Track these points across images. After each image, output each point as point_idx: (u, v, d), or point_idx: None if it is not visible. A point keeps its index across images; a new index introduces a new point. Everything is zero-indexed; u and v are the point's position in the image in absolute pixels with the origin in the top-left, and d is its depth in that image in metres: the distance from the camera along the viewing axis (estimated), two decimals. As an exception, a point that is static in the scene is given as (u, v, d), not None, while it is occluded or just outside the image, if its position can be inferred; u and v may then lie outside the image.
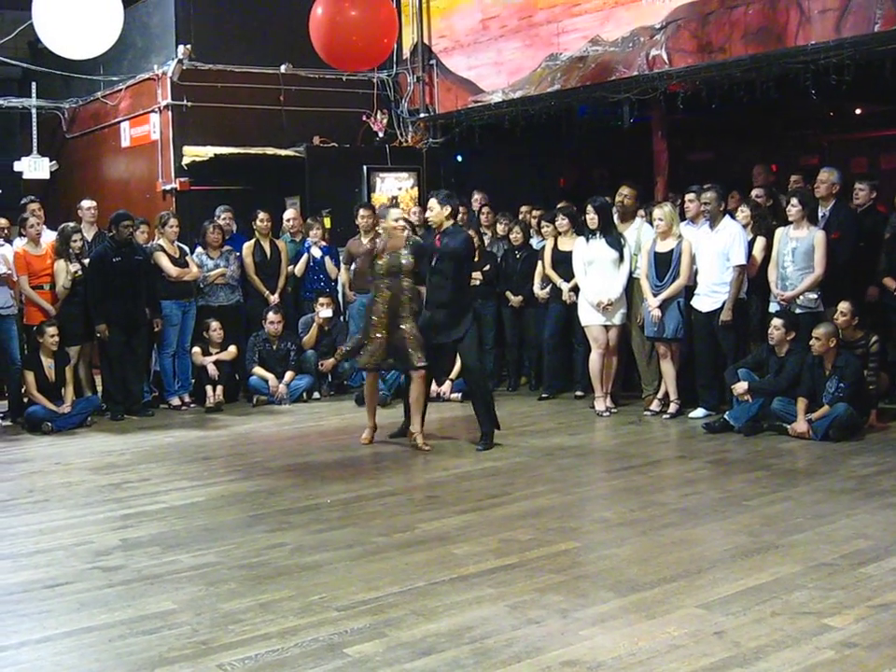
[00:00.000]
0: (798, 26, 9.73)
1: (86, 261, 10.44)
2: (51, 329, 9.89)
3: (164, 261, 10.79)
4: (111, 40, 10.39)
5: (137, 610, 4.88)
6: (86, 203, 11.45)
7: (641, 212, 10.35)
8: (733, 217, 9.57)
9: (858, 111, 15.36)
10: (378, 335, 8.51)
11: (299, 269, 11.72)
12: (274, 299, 11.42)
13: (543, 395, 10.86)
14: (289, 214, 12.20)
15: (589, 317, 9.95)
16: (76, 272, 10.29)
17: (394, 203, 13.32)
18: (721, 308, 9.28)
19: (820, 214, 9.36)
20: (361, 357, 8.69)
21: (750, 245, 9.46)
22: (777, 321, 8.84)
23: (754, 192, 10.16)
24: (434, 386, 10.66)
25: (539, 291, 10.81)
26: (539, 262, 10.83)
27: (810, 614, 4.61)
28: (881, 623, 4.50)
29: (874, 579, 5.08)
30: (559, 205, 11.23)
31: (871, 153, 16.32)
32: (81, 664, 4.30)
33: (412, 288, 8.64)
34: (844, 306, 8.79)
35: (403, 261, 8.56)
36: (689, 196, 9.80)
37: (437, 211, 8.62)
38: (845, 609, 4.67)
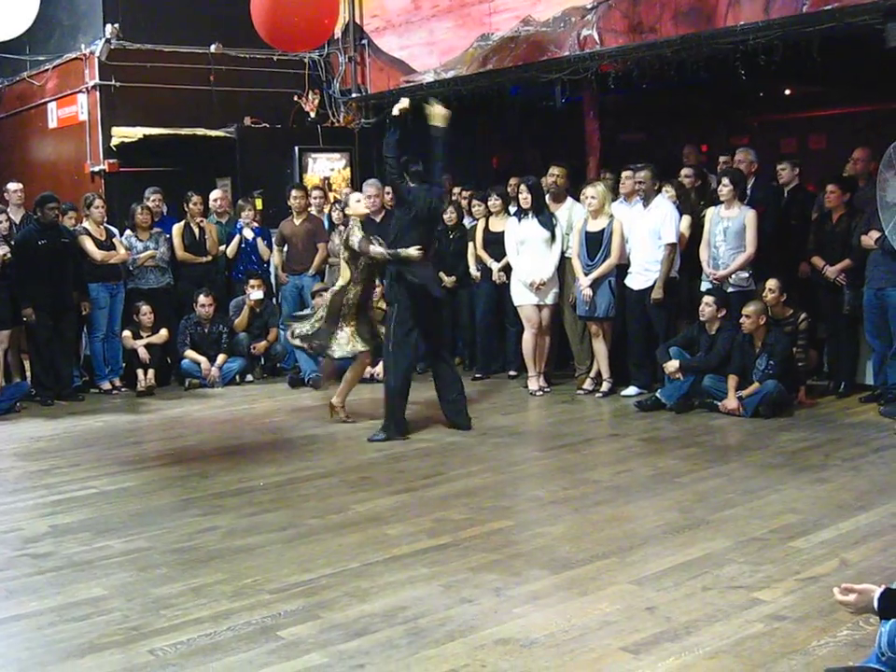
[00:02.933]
0: (727, 7, 9.77)
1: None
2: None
3: (88, 244, 10.60)
4: (25, 24, 10.15)
5: (67, 597, 4.83)
6: (12, 186, 11.25)
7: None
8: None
9: (787, 92, 15.50)
10: None
11: (230, 250, 11.63)
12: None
13: (477, 375, 10.83)
14: (216, 194, 12.02)
15: (522, 297, 9.97)
16: (4, 254, 10.06)
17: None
18: (653, 286, 9.36)
19: None
20: None
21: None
22: (708, 298, 8.92)
23: (683, 172, 10.22)
24: (368, 368, 10.68)
25: (476, 272, 10.78)
26: (470, 243, 10.82)
27: (740, 588, 4.68)
28: (809, 595, 4.57)
29: (802, 552, 5.16)
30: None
31: (800, 133, 16.50)
32: (10, 652, 4.24)
33: None
34: (772, 283, 8.89)
35: None
36: (626, 174, 9.84)
37: None
38: (774, 582, 4.74)
